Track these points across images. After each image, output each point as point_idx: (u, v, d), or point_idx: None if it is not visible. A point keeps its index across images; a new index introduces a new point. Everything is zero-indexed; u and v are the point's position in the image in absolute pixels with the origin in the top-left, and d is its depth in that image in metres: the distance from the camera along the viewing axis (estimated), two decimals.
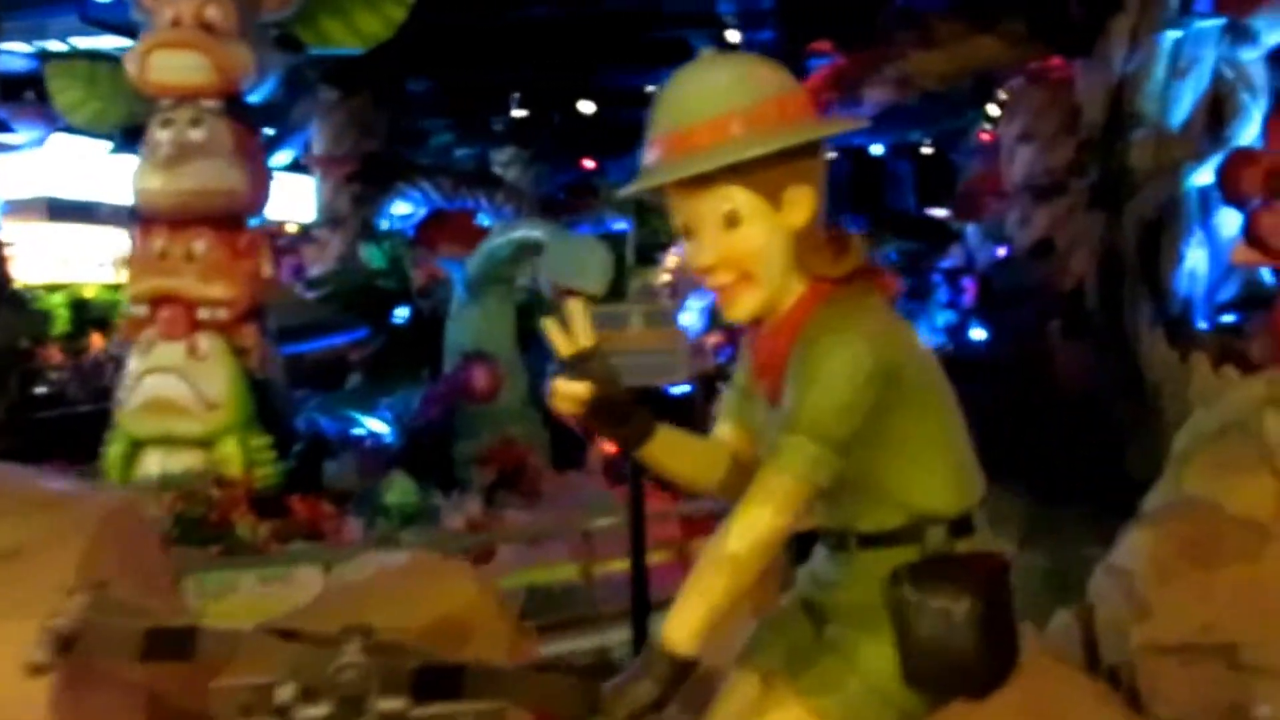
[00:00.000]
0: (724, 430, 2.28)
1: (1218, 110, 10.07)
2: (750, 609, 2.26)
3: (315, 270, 16.73)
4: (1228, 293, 9.69)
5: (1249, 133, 9.65)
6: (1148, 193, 10.03)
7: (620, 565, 6.14)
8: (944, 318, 24.93)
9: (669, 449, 2.18)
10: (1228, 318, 9.50)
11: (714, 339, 12.80)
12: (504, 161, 21.80)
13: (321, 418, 8.39)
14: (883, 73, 10.98)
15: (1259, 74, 10.10)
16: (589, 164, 24.35)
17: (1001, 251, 21.35)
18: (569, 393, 2.04)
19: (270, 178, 7.66)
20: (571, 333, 2.06)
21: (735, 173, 1.96)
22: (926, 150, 27.39)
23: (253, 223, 7.37)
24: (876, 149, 26.98)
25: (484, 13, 16.39)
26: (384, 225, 16.68)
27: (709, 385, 12.34)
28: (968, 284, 24.75)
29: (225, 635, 1.91)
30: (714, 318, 12.77)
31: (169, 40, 6.93)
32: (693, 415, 11.60)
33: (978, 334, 24.81)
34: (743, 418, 2.24)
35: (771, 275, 2.03)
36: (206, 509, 6.02)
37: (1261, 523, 3.50)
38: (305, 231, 18.67)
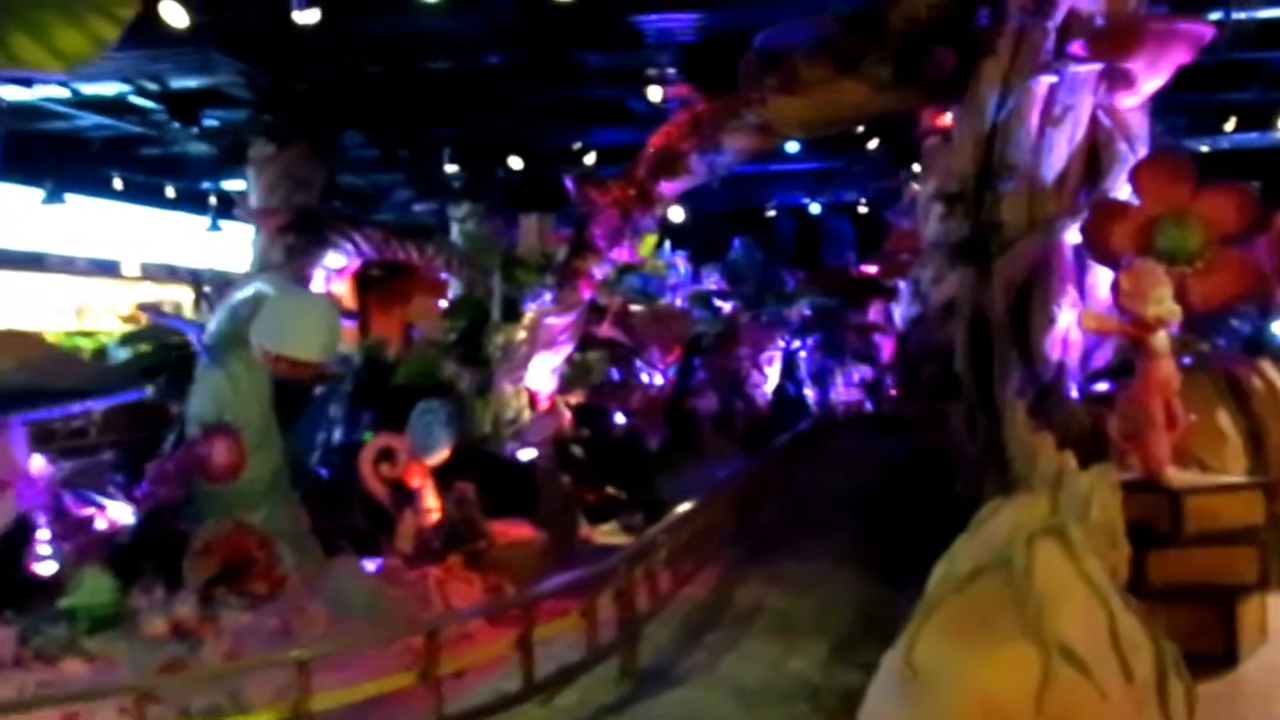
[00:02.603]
0: None
1: (1094, 161, 9.36)
2: None
3: None
4: (1103, 358, 8.89)
5: (1128, 186, 8.91)
6: (1018, 249, 9.24)
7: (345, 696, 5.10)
8: (858, 373, 24.42)
9: None
10: (1102, 386, 8.68)
11: (575, 398, 11.84)
12: (460, 216, 21.84)
13: (69, 494, 7.26)
14: (742, 119, 10.14)
15: (1138, 122, 9.40)
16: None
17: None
18: None
19: None
20: None
21: None
22: (863, 209, 28.24)
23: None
24: (815, 208, 27.91)
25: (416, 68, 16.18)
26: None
27: (563, 449, 11.38)
28: (882, 340, 24.35)
29: None
30: (571, 377, 11.81)
31: None
32: (535, 481, 10.69)
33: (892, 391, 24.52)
34: None
35: None
36: None
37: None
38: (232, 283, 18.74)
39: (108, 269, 28.83)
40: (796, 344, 22.98)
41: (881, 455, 15.65)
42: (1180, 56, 8.95)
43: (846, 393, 23.00)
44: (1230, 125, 19.60)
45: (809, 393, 22.90)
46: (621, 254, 10.43)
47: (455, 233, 21.49)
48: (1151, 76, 9.01)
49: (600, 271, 10.73)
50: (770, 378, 21.80)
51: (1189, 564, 6.41)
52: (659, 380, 18.86)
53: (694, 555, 9.28)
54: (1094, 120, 9.31)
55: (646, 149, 10.43)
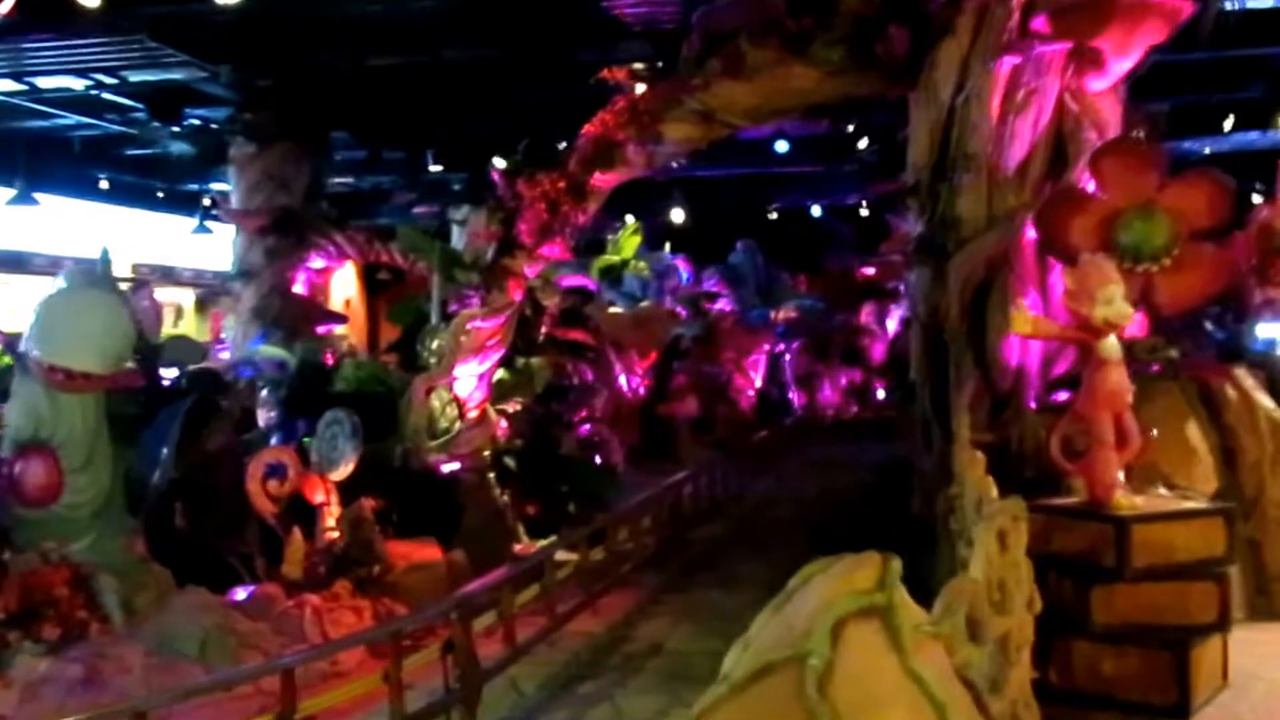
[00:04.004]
0: None
1: (1060, 151, 8.58)
2: None
3: (229, 324, 16.36)
4: (1066, 365, 8.10)
5: None
6: (975, 247, 8.49)
7: None
8: (847, 377, 23.65)
9: None
10: (1064, 395, 7.89)
11: (515, 405, 11.11)
12: (460, 219, 21.53)
13: None
14: (684, 106, 9.39)
15: (1109, 108, 8.62)
16: None
17: None
18: None
19: None
20: None
21: None
22: (864, 212, 27.70)
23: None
24: (816, 210, 27.14)
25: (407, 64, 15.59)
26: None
27: (498, 460, 10.65)
28: (873, 343, 23.62)
29: None
30: (511, 384, 11.07)
31: None
32: (458, 495, 9.96)
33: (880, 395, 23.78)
34: None
35: None
36: None
37: None
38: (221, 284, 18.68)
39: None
40: (781, 347, 22.19)
41: (857, 464, 14.83)
42: (1154, 35, 8.16)
43: (834, 397, 22.21)
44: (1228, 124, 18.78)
45: (794, 397, 22.10)
46: (553, 251, 9.71)
47: (456, 235, 21.03)
48: (1122, 57, 8.23)
49: (532, 270, 10.01)
50: (755, 382, 21.04)
51: (1138, 602, 5.64)
52: (635, 384, 18.15)
53: (593, 584, 8.58)
54: (1060, 105, 8.54)
55: (580, 139, 9.71)
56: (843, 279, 26.94)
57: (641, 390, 18.23)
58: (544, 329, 14.51)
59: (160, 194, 27.38)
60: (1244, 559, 7.51)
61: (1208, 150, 20.33)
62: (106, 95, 19.16)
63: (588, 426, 14.64)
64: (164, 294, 28.83)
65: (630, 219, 23.72)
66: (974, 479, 5.23)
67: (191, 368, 9.38)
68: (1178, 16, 8.10)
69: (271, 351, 12.27)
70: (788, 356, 22.27)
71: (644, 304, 20.93)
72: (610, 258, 21.50)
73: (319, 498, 8.54)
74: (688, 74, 9.35)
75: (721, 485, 14.43)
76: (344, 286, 18.74)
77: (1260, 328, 8.20)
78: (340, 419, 8.62)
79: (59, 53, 15.30)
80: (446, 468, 9.70)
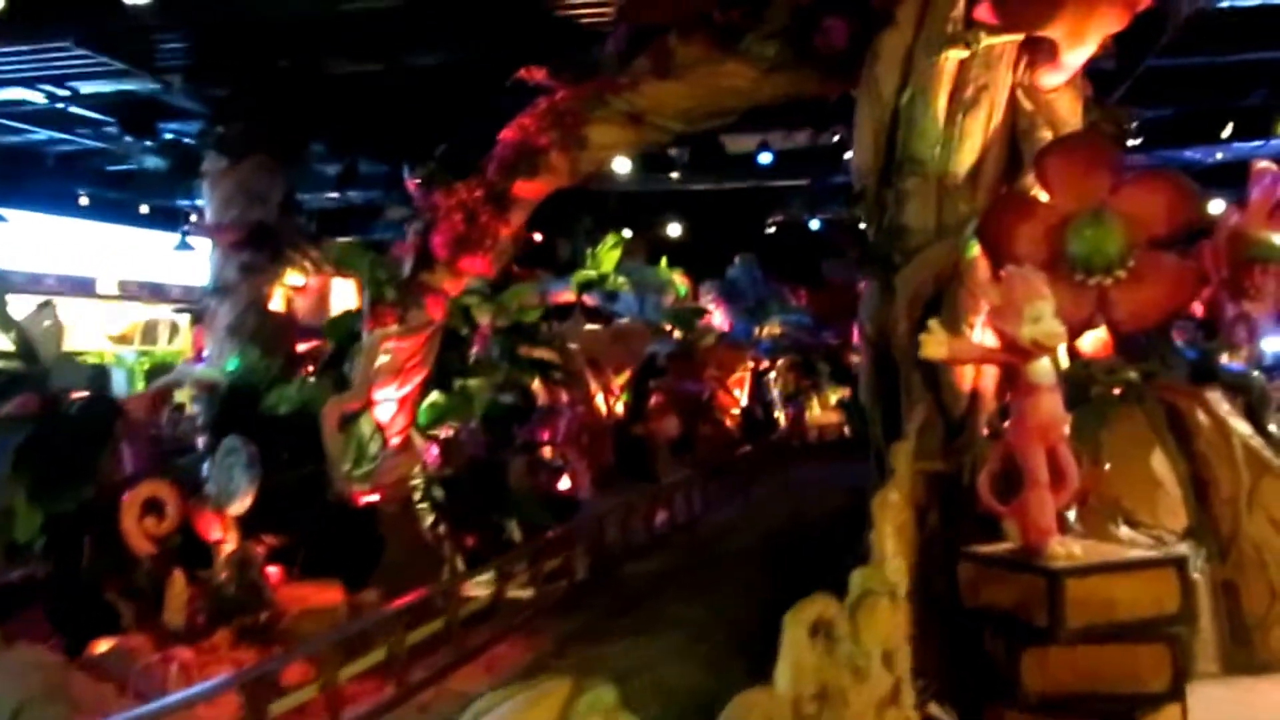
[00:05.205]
0: None
1: (1014, 152, 7.84)
2: None
3: (208, 341, 16.07)
4: None
5: None
6: (924, 258, 7.74)
7: None
8: (836, 395, 22.83)
9: None
10: None
11: (448, 430, 10.37)
12: None
13: None
14: (610, 107, 8.68)
15: (1067, 105, 7.87)
16: (536, 236, 22.99)
17: None
18: None
19: None
20: None
21: None
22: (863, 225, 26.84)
23: None
24: (815, 224, 26.27)
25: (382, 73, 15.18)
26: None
27: (428, 491, 9.94)
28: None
29: None
30: (448, 408, 10.33)
31: None
32: (378, 527, 9.24)
33: None
34: None
35: None
36: None
37: None
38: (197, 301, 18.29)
39: (81, 286, 28.10)
40: (765, 365, 21.40)
41: (835, 486, 13.99)
42: (1111, 23, 7.40)
43: (823, 415, 21.38)
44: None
45: (780, 416, 21.29)
46: (474, 266, 9.00)
47: None
48: (1076, 46, 7.47)
49: (454, 287, 9.30)
50: (740, 400, 20.25)
51: (1075, 667, 4.87)
52: (612, 403, 17.44)
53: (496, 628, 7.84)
54: (1013, 102, 7.81)
55: (499, 144, 9.02)
56: (844, 293, 26.20)
57: (617, 409, 17.52)
58: (523, 348, 13.86)
59: (146, 210, 27.06)
60: (1217, 605, 6.76)
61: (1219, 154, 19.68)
62: (75, 109, 18.87)
63: (549, 450, 13.93)
64: (155, 311, 28.52)
65: (628, 232, 23.16)
66: (883, 527, 4.49)
67: (81, 393, 8.73)
68: (1137, 4, 7.34)
69: (205, 373, 11.61)
70: (773, 374, 21.47)
71: (623, 320, 20.22)
72: (588, 272, 20.82)
73: (215, 534, 7.86)
74: (613, 72, 8.65)
75: (684, 509, 13.64)
76: (345, 299, 18.26)
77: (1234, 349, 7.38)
78: (236, 448, 7.94)
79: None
80: (366, 499, 9.01)
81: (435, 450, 9.99)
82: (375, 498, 8.98)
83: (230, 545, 7.83)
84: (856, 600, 3.06)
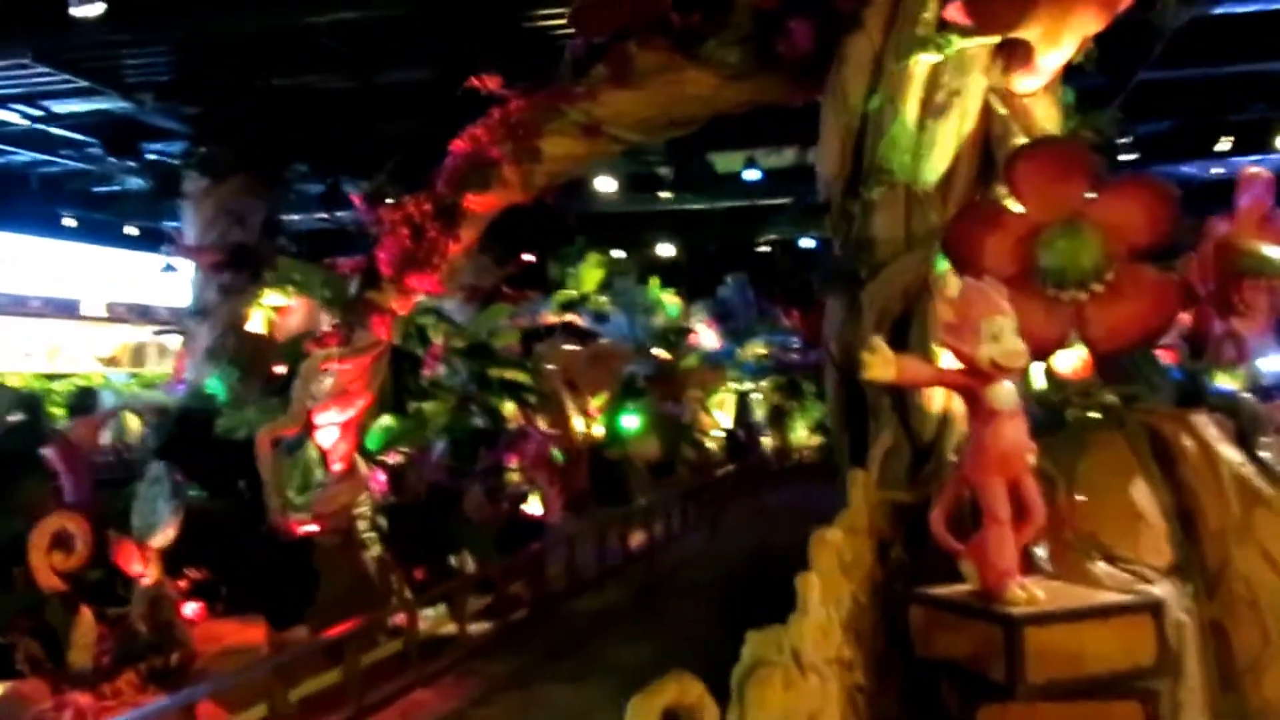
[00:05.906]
0: None
1: (989, 160, 7.37)
2: None
3: (189, 363, 16.04)
4: None
5: None
6: (892, 272, 7.27)
7: None
8: (818, 415, 22.31)
9: None
10: None
11: (396, 456, 9.87)
12: None
13: None
14: (566, 118, 8.23)
15: (1044, 111, 7.41)
16: (529, 256, 22.56)
17: None
18: None
19: None
20: None
21: None
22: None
23: None
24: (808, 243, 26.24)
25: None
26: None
27: (374, 522, 9.40)
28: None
29: None
30: (399, 432, 9.85)
31: None
32: (315, 559, 8.70)
33: None
34: None
35: None
36: None
37: None
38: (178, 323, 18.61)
39: (66, 309, 27.70)
40: (749, 385, 20.90)
41: (811, 512, 13.43)
42: (1089, 24, 6.96)
43: (807, 437, 20.87)
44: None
45: (764, 438, 20.77)
46: (422, 284, 8.52)
47: None
48: (1053, 48, 7.02)
49: (402, 306, 8.81)
50: (721, 421, 19.75)
51: None
52: (589, 425, 16.96)
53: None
54: (986, 109, 7.34)
55: (449, 156, 8.56)
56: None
57: (595, 431, 17.06)
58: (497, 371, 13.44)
59: (134, 232, 26.73)
60: (1205, 648, 6.23)
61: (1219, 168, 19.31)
62: (57, 130, 18.56)
63: (517, 474, 13.44)
64: (143, 333, 28.07)
65: (619, 253, 22.81)
66: (810, 576, 3.98)
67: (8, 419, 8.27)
68: (1117, 4, 6.88)
69: (152, 396, 11.16)
70: (757, 395, 20.98)
71: (602, 341, 19.79)
72: (569, 292, 20.42)
73: (135, 568, 7.35)
74: (569, 80, 8.20)
75: (645, 538, 13.03)
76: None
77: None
78: (160, 477, 7.45)
79: None
80: (304, 529, 8.50)
81: (382, 477, 9.50)
82: (314, 528, 8.47)
83: (148, 580, 7.32)
84: (745, 673, 2.56)
